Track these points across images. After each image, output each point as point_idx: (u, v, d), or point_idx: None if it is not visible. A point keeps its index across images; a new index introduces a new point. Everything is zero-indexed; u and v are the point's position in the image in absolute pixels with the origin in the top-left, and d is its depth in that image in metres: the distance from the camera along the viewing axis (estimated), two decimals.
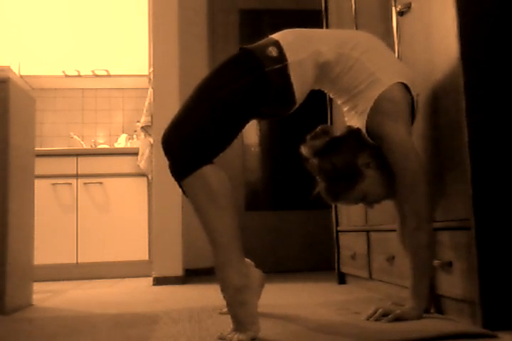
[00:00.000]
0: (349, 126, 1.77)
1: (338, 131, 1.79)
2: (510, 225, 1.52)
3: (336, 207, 2.99)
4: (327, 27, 3.15)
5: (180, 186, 1.55)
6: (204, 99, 1.57)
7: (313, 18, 3.54)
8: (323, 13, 3.18)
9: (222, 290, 1.48)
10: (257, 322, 1.47)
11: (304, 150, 1.71)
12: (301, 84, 1.63)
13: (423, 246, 1.64)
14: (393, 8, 2.14)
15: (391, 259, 2.15)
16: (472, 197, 1.52)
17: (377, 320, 1.64)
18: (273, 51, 1.60)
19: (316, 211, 3.99)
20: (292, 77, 1.60)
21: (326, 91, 1.87)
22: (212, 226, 1.48)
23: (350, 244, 2.74)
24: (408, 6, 1.99)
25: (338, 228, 2.96)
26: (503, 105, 1.57)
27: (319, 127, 1.75)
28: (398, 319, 1.61)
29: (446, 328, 1.48)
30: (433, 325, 1.55)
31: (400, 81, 1.71)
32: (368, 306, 2.00)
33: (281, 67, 1.59)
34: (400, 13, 2.06)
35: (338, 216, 2.98)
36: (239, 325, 1.46)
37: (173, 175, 1.55)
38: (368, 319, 1.67)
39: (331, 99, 3.04)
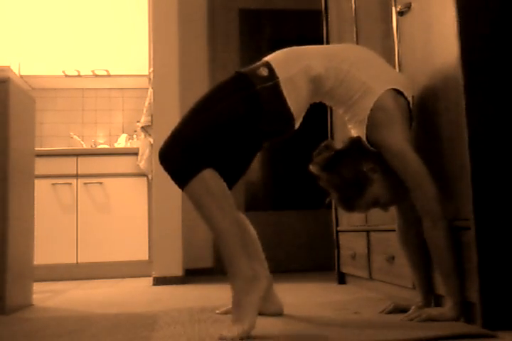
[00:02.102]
0: (350, 137, 1.83)
1: (340, 138, 1.82)
2: (510, 225, 1.52)
3: (336, 207, 2.99)
4: (327, 27, 3.15)
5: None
6: (198, 113, 1.68)
7: (313, 18, 3.54)
8: (323, 13, 3.18)
9: (232, 280, 1.56)
10: (255, 315, 1.51)
11: (312, 167, 1.77)
12: (295, 99, 1.70)
13: (442, 245, 1.63)
14: (393, 8, 2.14)
15: (391, 259, 2.15)
16: (472, 197, 1.52)
17: (411, 319, 1.65)
18: (263, 71, 1.70)
19: (316, 211, 3.98)
20: (285, 93, 1.67)
21: (326, 104, 1.94)
22: (218, 225, 1.58)
23: (350, 244, 2.74)
24: (408, 6, 1.99)
25: (338, 228, 2.96)
26: (503, 105, 1.57)
27: (322, 143, 1.80)
28: (433, 319, 1.61)
29: (446, 328, 1.48)
30: (433, 325, 1.55)
31: (392, 87, 1.75)
32: (368, 306, 2.00)
33: (272, 84, 1.67)
34: (400, 13, 2.06)
35: (338, 216, 2.98)
36: (237, 315, 1.51)
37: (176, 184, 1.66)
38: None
39: None
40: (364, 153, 1.77)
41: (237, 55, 4.13)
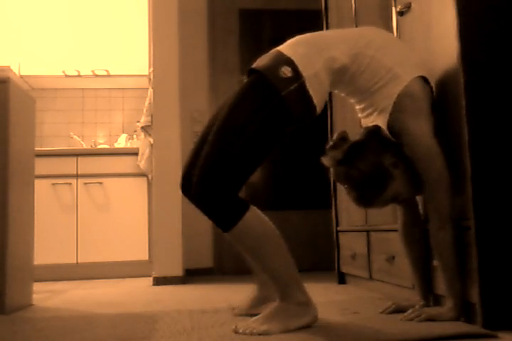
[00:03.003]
0: (367, 127, 1.72)
1: (341, 128, 1.78)
2: (510, 225, 1.52)
3: (336, 207, 2.99)
4: (327, 27, 3.15)
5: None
6: (227, 141, 1.57)
7: (313, 18, 3.54)
8: (323, 13, 3.18)
9: (286, 303, 1.59)
10: (285, 331, 1.53)
11: (326, 161, 1.64)
12: (320, 94, 1.63)
13: (448, 246, 1.60)
14: (393, 8, 2.14)
15: (391, 259, 2.15)
16: (472, 197, 1.52)
17: (410, 319, 1.63)
18: (286, 71, 1.58)
19: (316, 211, 3.99)
20: (311, 91, 1.59)
21: (337, 92, 1.84)
22: (272, 264, 1.59)
23: (350, 244, 2.74)
24: (408, 6, 1.99)
25: (338, 228, 2.96)
26: (503, 105, 1.57)
27: (336, 134, 1.68)
28: (432, 319, 1.59)
29: (446, 328, 1.48)
30: (433, 325, 1.55)
31: (419, 74, 1.70)
32: (368, 306, 2.00)
33: (298, 85, 1.58)
34: (400, 13, 2.06)
35: (338, 216, 2.98)
36: (270, 320, 1.54)
37: None
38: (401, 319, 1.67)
39: (330, 96, 3.03)
40: (384, 145, 1.65)
41: (237, 55, 4.13)
